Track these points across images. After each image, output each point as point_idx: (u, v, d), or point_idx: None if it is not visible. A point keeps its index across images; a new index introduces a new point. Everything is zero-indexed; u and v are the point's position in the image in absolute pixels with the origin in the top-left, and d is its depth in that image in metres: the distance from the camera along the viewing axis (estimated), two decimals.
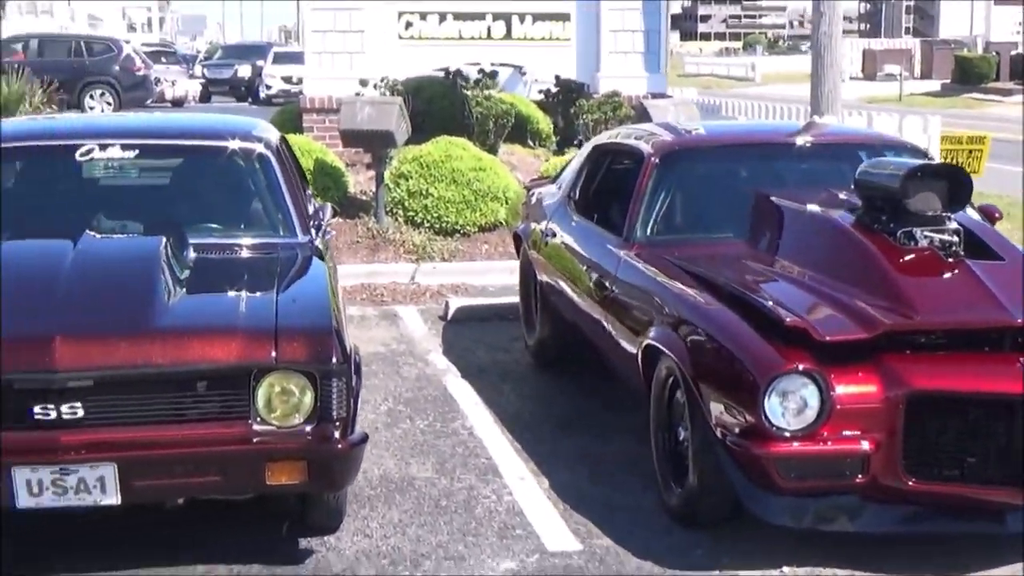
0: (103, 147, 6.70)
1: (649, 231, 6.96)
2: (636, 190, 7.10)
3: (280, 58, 41.70)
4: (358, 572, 5.44)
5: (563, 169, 9.22)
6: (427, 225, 12.28)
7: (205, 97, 42.43)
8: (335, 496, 5.57)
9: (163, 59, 43.45)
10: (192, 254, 6.04)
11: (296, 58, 39.99)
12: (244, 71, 43.90)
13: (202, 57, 52.31)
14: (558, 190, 8.58)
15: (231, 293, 5.62)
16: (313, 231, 6.67)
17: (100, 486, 4.95)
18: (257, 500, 5.53)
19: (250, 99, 41.97)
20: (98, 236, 6.02)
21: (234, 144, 6.87)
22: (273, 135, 7.28)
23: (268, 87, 40.22)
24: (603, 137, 8.78)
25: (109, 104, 32.59)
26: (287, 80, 39.02)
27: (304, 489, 5.29)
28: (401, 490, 6.35)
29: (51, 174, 6.86)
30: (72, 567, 5.36)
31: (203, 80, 43.94)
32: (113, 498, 4.99)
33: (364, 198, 12.85)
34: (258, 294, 5.57)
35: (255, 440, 5.05)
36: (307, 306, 5.49)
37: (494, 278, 11.48)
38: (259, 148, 6.86)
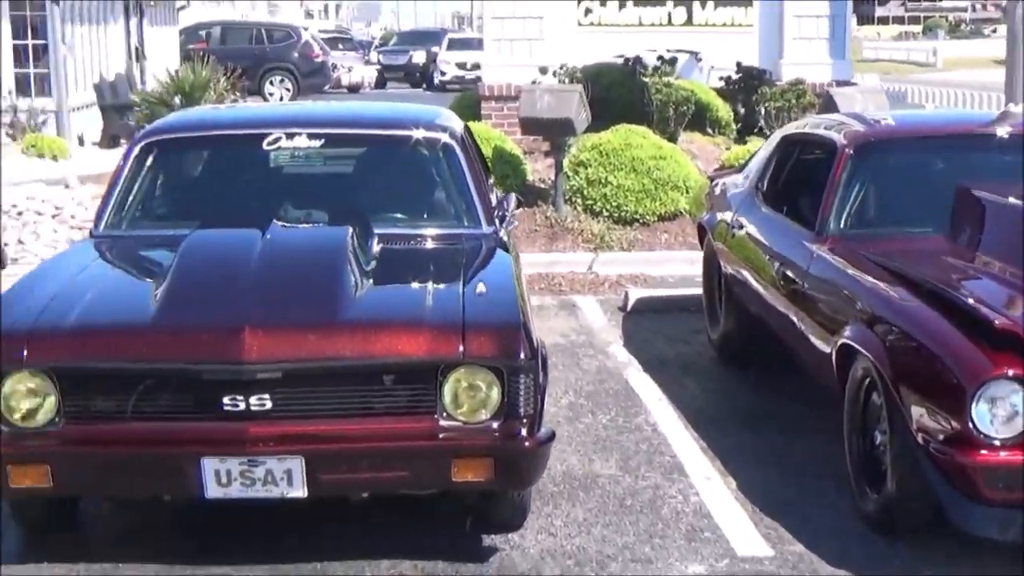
0: (290, 136, 6.71)
1: (843, 224, 6.71)
2: (829, 182, 6.85)
3: (454, 44, 41.99)
4: (543, 572, 5.32)
5: (749, 159, 9.01)
6: (606, 214, 12.15)
7: (380, 83, 42.86)
8: (520, 493, 5.47)
9: (340, 45, 44.05)
10: (377, 244, 6.00)
11: (470, 44, 40.30)
12: (419, 57, 44.25)
13: (377, 43, 52.87)
14: (744, 180, 8.36)
15: (417, 285, 5.57)
16: (497, 221, 6.59)
17: (287, 479, 4.93)
18: (439, 494, 5.47)
19: (424, 85, 42.29)
20: (285, 226, 6.02)
21: (419, 133, 6.83)
22: (457, 124, 7.22)
23: (443, 73, 40.46)
24: (792, 127, 8.53)
25: (288, 90, 33.13)
26: (461, 66, 39.27)
27: (489, 487, 5.20)
28: (585, 487, 6.23)
29: (239, 163, 6.90)
30: (256, 560, 5.34)
31: (378, 66, 44.37)
32: (300, 491, 4.96)
33: (542, 186, 12.76)
34: (444, 287, 5.51)
35: (441, 436, 4.98)
36: (494, 300, 5.39)
37: (673, 268, 11.31)
38: (444, 138, 6.80)
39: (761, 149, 8.72)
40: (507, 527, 5.64)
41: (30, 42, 20.14)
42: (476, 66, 37.88)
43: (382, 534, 5.56)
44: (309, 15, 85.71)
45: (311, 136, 6.74)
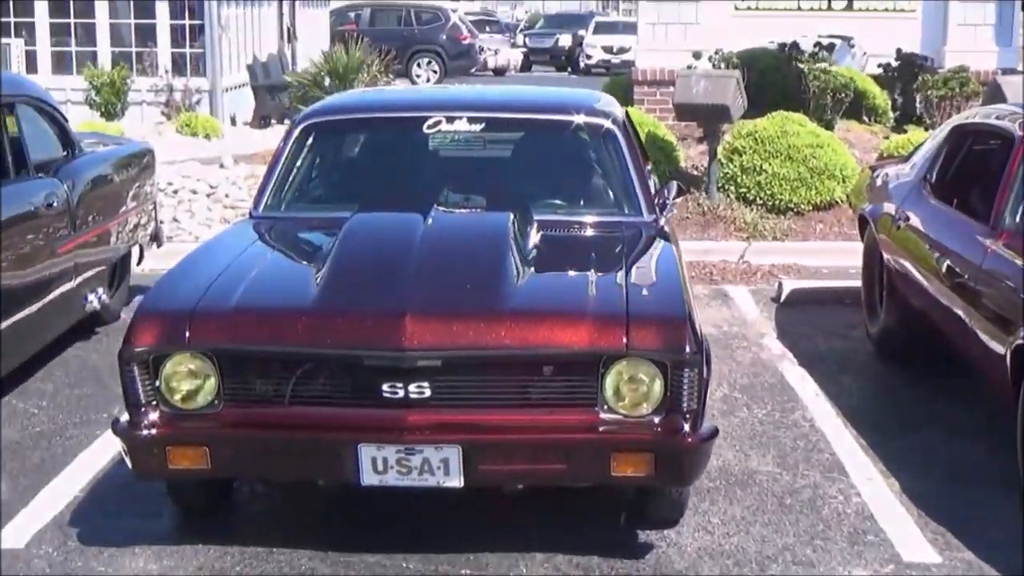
0: (450, 119, 6.63)
1: (1020, 218, 6.43)
2: (1005, 174, 6.57)
3: (601, 28, 41.63)
4: (701, 571, 5.18)
5: (915, 150, 8.73)
6: (759, 202, 11.93)
7: (526, 66, 42.71)
8: (678, 489, 5.33)
9: (487, 28, 44.05)
10: (537, 231, 5.89)
11: (616, 28, 40.04)
12: (565, 41, 43.97)
13: (523, 26, 52.76)
14: (910, 171, 8.09)
15: (579, 274, 5.46)
16: (658, 210, 6.45)
17: (444, 468, 4.84)
18: (593, 488, 5.35)
19: (569, 69, 42.06)
20: (447, 211, 5.95)
21: (581, 119, 6.71)
22: (618, 110, 7.09)
23: (588, 57, 40.14)
24: (962, 117, 8.24)
25: (435, 73, 33.21)
26: (607, 50, 39.00)
27: (649, 483, 5.06)
28: (742, 484, 6.07)
29: (398, 146, 6.84)
30: (409, 549, 5.27)
31: (524, 49, 44.24)
32: (456, 481, 4.88)
33: (695, 173, 12.57)
34: (606, 276, 5.38)
35: (601, 429, 4.86)
36: (659, 291, 5.27)
37: (827, 259, 11.07)
38: (606, 123, 6.68)
39: (929, 140, 8.45)
40: (663, 523, 5.51)
41: (187, 23, 20.44)
42: (622, 50, 37.78)
43: (535, 526, 5.46)
44: None
45: (471, 120, 6.65)
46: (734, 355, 8.36)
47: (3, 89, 7.87)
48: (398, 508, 5.55)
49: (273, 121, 19.93)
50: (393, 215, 5.86)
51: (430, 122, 6.62)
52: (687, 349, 4.83)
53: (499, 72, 39.99)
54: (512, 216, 5.71)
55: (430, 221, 5.65)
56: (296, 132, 6.71)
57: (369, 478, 4.88)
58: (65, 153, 8.39)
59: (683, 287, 5.32)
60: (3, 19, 20.20)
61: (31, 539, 5.39)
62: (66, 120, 8.63)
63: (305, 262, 5.75)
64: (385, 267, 5.24)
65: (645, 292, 5.21)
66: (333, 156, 6.92)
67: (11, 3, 20.19)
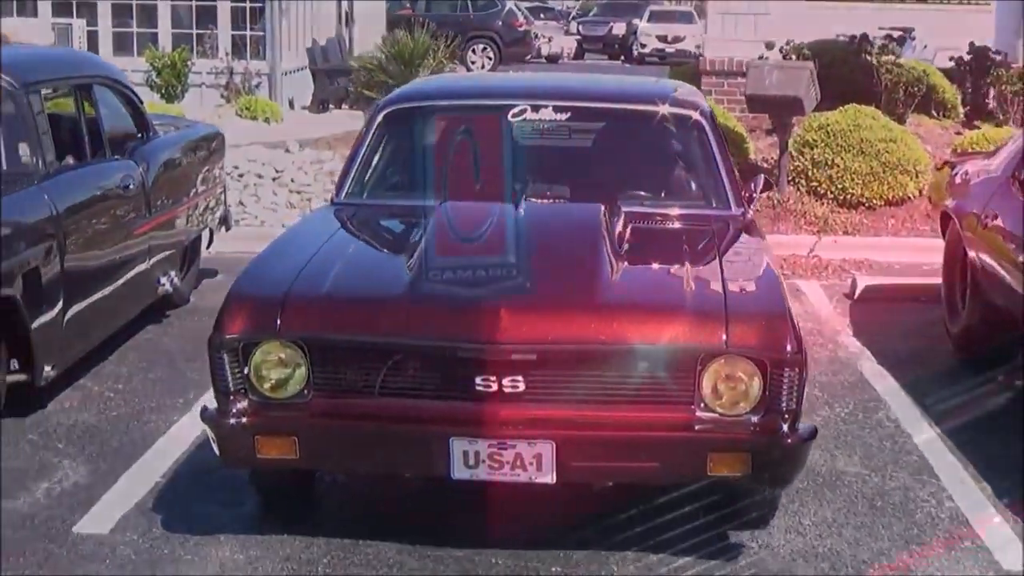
0: (535, 108, 6.52)
1: None
2: None
3: (656, 16, 41.17)
4: (795, 573, 5.07)
5: (1000, 146, 8.55)
6: (830, 196, 11.77)
7: (578, 54, 42.41)
8: (773, 489, 5.22)
9: (541, 15, 43.74)
10: (625, 223, 5.77)
11: (672, 17, 39.69)
12: (619, 29, 43.51)
13: (575, 13, 52.42)
14: (997, 167, 7.91)
15: (673, 269, 5.36)
16: (745, 203, 6.33)
17: (536, 463, 4.74)
18: (682, 485, 5.22)
19: (623, 57, 41.75)
20: (538, 202, 5.85)
21: (670, 109, 6.59)
22: (704, 100, 6.97)
23: (642, 46, 39.73)
24: None
25: (490, 59, 33.01)
26: (662, 39, 38.65)
27: (745, 483, 4.95)
28: (830, 485, 5.95)
29: (482, 134, 6.71)
30: (497, 545, 5.18)
31: (578, 37, 43.91)
32: (548, 476, 4.77)
33: (765, 165, 12.41)
34: (701, 271, 5.28)
35: (698, 428, 4.75)
36: (757, 287, 5.15)
37: (900, 255, 10.91)
38: (695, 115, 6.56)
39: (1016, 136, 8.27)
40: (754, 522, 5.39)
41: (247, 4, 20.41)
42: (677, 39, 37.50)
43: (624, 523, 5.34)
44: None
45: (557, 109, 6.54)
46: (811, 352, 8.17)
47: (80, 70, 7.86)
48: (486, 502, 5.44)
49: (331, 106, 19.83)
50: (484, 204, 5.76)
51: (515, 110, 6.51)
52: (788, 348, 4.72)
53: (552, 60, 39.61)
54: (603, 208, 5.60)
55: (521, 211, 5.55)
56: (379, 118, 6.62)
57: (460, 472, 4.78)
58: (140, 135, 8.35)
59: (781, 283, 5.20)
60: None
61: (115, 525, 5.34)
62: (141, 101, 8.58)
63: (394, 250, 5.66)
64: (479, 257, 5.15)
65: (743, 288, 5.09)
66: (416, 143, 6.80)
67: None
